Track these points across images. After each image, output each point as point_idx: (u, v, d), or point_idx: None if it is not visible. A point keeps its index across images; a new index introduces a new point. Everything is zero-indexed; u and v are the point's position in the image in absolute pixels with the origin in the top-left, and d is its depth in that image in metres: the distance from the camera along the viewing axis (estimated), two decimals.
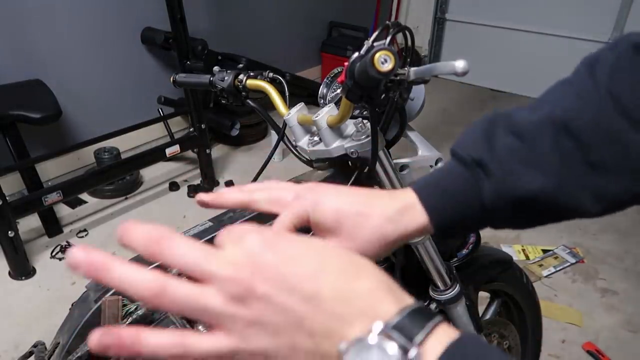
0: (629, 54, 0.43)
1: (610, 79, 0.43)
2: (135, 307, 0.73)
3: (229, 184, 2.74)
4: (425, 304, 0.98)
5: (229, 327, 0.31)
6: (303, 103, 0.86)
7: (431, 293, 0.96)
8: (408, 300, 0.32)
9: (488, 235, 2.29)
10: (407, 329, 0.29)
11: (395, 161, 0.83)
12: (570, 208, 0.44)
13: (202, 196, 0.47)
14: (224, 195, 0.48)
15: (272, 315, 0.30)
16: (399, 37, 0.74)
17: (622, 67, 0.43)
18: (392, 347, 0.28)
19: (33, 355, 0.75)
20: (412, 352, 0.28)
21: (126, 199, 2.62)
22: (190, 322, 0.74)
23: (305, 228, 0.45)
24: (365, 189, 0.47)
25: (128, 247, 0.31)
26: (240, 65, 2.78)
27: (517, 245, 2.28)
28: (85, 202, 2.56)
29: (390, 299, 0.31)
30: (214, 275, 0.30)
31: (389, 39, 0.69)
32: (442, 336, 0.30)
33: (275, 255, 0.31)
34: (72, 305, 0.77)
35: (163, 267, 0.32)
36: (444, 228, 0.46)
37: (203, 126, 2.57)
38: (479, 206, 0.46)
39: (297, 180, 0.89)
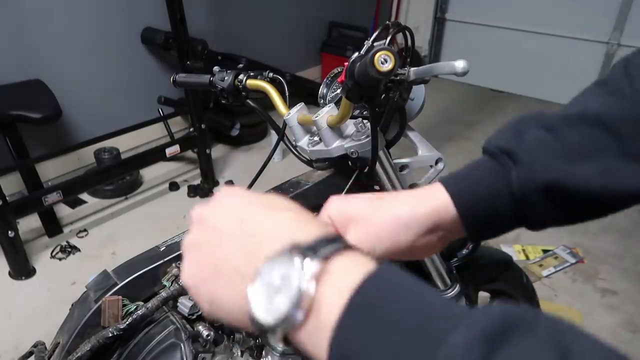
0: None
1: None
2: (135, 307, 0.73)
3: (229, 184, 2.74)
4: None
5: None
6: (303, 103, 0.86)
7: None
8: (330, 230, 0.34)
9: None
10: (317, 248, 0.31)
11: (395, 161, 0.83)
12: (610, 199, 0.43)
13: None
14: None
15: (214, 229, 0.37)
16: (399, 37, 0.74)
17: None
18: (297, 260, 0.30)
19: (33, 355, 0.75)
20: (313, 264, 0.30)
21: (126, 199, 2.62)
22: (190, 323, 0.74)
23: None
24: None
25: None
26: (240, 65, 2.78)
27: (517, 245, 2.28)
28: (85, 202, 2.56)
29: (310, 228, 0.34)
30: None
31: (389, 39, 0.69)
32: (353, 262, 0.31)
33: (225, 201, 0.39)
34: (72, 305, 0.77)
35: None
36: (474, 220, 0.46)
37: (203, 126, 2.57)
38: (508, 195, 0.45)
39: (297, 180, 0.89)
